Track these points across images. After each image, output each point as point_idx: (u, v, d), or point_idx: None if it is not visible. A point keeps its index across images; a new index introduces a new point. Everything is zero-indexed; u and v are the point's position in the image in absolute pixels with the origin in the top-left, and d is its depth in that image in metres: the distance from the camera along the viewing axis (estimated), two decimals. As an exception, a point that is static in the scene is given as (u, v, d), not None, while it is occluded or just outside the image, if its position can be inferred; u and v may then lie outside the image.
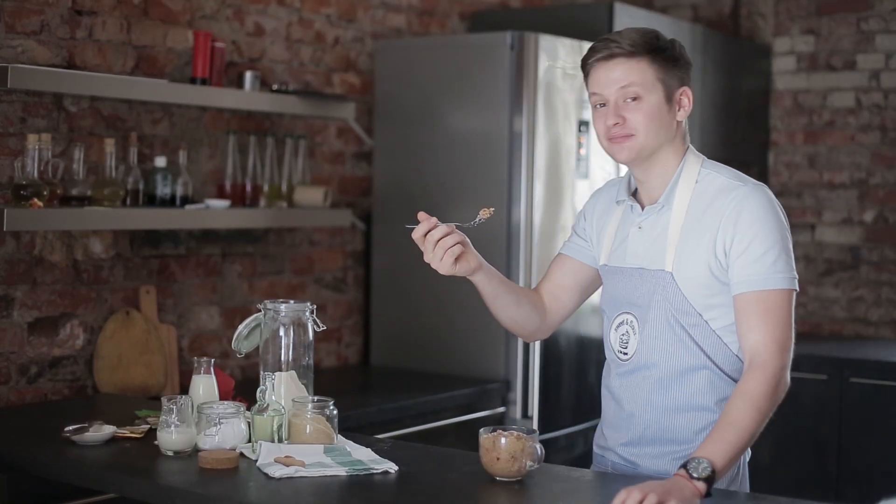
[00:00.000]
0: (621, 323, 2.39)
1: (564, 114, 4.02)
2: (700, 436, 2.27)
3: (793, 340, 2.22)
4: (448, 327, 4.08)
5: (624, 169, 2.51)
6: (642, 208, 2.38)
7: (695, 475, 2.04)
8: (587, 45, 4.08)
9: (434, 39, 4.49)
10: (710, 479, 2.05)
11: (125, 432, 2.61)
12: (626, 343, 2.37)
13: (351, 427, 3.14)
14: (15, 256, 3.25)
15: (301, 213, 3.87)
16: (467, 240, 2.37)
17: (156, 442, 2.47)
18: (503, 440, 2.21)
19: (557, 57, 3.98)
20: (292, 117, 4.03)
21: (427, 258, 2.35)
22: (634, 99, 2.29)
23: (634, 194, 2.43)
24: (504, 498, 2.17)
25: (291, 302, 2.66)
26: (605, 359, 2.48)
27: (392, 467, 2.30)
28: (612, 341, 2.41)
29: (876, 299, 5.20)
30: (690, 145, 2.42)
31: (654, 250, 2.33)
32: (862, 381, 4.47)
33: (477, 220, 2.39)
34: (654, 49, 2.31)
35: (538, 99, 3.91)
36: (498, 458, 2.20)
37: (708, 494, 2.06)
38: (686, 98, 2.37)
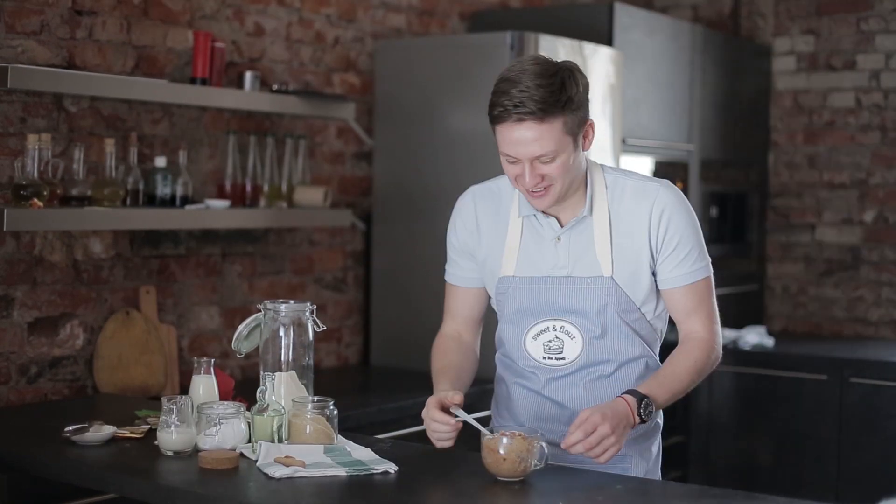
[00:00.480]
0: (543, 330, 2.46)
1: (564, 114, 4.01)
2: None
3: (718, 315, 2.48)
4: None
5: None
6: (558, 221, 2.44)
7: (643, 415, 2.29)
8: (587, 46, 4.12)
9: (434, 39, 4.49)
10: (645, 421, 2.31)
11: (125, 432, 2.60)
12: (560, 349, 2.45)
13: (351, 427, 3.14)
14: (15, 256, 3.25)
15: (301, 214, 3.87)
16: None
17: (156, 442, 2.47)
18: (510, 441, 2.21)
19: (557, 57, 3.97)
20: (292, 117, 4.03)
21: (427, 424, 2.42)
22: (549, 161, 2.32)
23: None
24: (505, 498, 2.17)
25: (291, 302, 2.66)
26: None
27: (392, 467, 2.30)
28: (530, 349, 2.48)
29: (876, 299, 5.20)
30: (590, 161, 2.49)
31: (583, 259, 2.42)
32: (862, 382, 4.47)
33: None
34: (563, 105, 2.29)
35: (538, 99, 3.90)
36: (504, 459, 2.20)
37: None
38: (591, 131, 2.39)
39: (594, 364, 2.44)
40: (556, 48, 3.98)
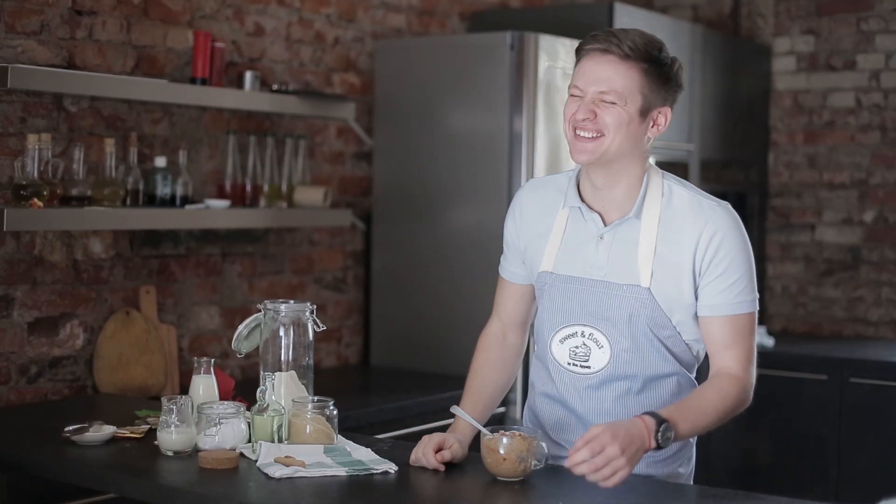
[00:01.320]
0: (571, 335, 2.34)
1: (564, 114, 4.01)
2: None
3: (755, 357, 2.31)
4: (448, 327, 4.08)
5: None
6: (602, 218, 2.32)
7: (660, 440, 2.11)
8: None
9: (434, 39, 4.49)
10: (661, 447, 2.13)
11: (125, 432, 2.61)
12: (587, 357, 2.32)
13: (351, 427, 3.14)
14: (15, 256, 3.25)
15: (301, 213, 3.87)
16: (455, 443, 2.34)
17: (156, 442, 2.47)
18: (510, 441, 2.20)
19: (557, 57, 3.98)
20: (292, 117, 4.03)
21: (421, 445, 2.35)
22: (610, 101, 2.23)
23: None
24: (506, 498, 2.17)
25: (291, 302, 2.66)
26: None
27: (392, 467, 2.30)
28: (557, 354, 2.36)
29: (876, 299, 5.20)
30: (650, 160, 2.38)
31: (623, 264, 2.29)
32: (862, 382, 4.47)
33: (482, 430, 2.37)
34: (651, 59, 2.24)
35: (538, 99, 3.91)
36: (504, 459, 2.20)
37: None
38: (663, 118, 2.29)
39: (621, 378, 2.31)
40: (557, 48, 3.98)
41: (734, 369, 2.26)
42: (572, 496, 2.18)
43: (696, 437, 2.38)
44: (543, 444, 2.24)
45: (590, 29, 4.56)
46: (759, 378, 3.93)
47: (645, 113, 2.26)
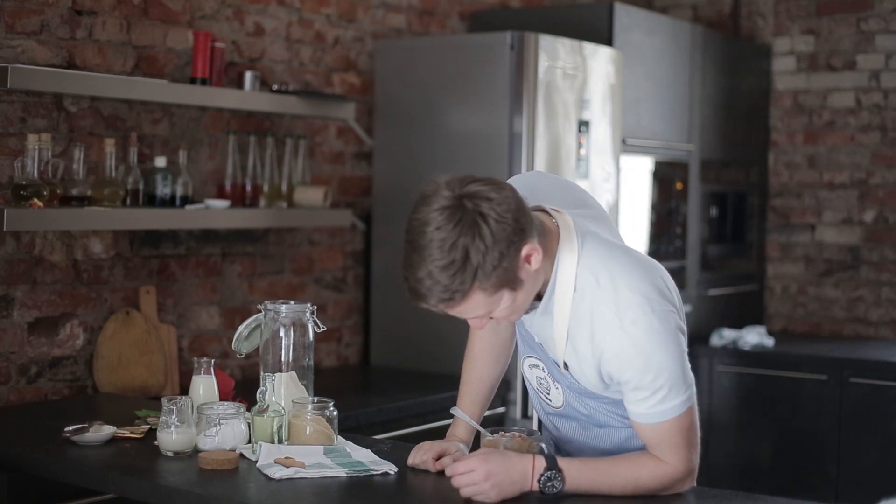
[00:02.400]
0: (534, 366, 2.28)
1: (564, 114, 4.02)
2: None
3: (698, 442, 2.15)
4: (448, 327, 4.07)
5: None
6: None
7: (542, 488, 2.07)
8: (587, 46, 4.12)
9: (434, 39, 4.49)
10: (544, 493, 2.08)
11: (125, 432, 2.61)
12: (549, 392, 2.28)
13: (351, 428, 3.14)
14: (15, 256, 3.25)
15: (301, 214, 3.87)
16: (456, 448, 2.34)
17: (156, 442, 2.47)
18: (510, 441, 2.20)
19: (557, 57, 3.98)
20: (292, 117, 4.03)
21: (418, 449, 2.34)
22: (487, 315, 2.07)
23: None
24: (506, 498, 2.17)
25: (292, 302, 2.66)
26: None
27: (392, 468, 2.30)
28: (529, 377, 2.33)
29: (876, 299, 5.21)
30: (563, 232, 2.12)
31: (548, 339, 2.18)
32: (862, 382, 4.47)
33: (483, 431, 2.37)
34: (473, 279, 1.97)
35: (538, 99, 3.91)
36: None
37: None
38: (534, 254, 2.02)
39: (580, 417, 2.27)
40: (556, 48, 3.98)
41: (668, 460, 2.11)
42: (572, 496, 2.18)
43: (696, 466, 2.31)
44: (543, 444, 2.24)
45: (590, 29, 4.54)
46: (760, 378, 3.91)
47: (515, 282, 2.02)
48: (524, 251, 2.00)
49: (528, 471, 2.08)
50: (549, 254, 2.09)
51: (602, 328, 2.06)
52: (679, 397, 2.08)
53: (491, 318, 2.08)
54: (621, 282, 2.07)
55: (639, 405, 2.08)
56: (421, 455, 2.32)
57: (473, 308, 2.02)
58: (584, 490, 2.11)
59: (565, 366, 2.17)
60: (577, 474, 2.10)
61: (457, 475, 2.09)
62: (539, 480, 2.07)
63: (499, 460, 2.08)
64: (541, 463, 2.08)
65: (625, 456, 2.16)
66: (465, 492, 2.08)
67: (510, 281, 2.01)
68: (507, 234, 1.97)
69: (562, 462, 2.10)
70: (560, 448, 2.39)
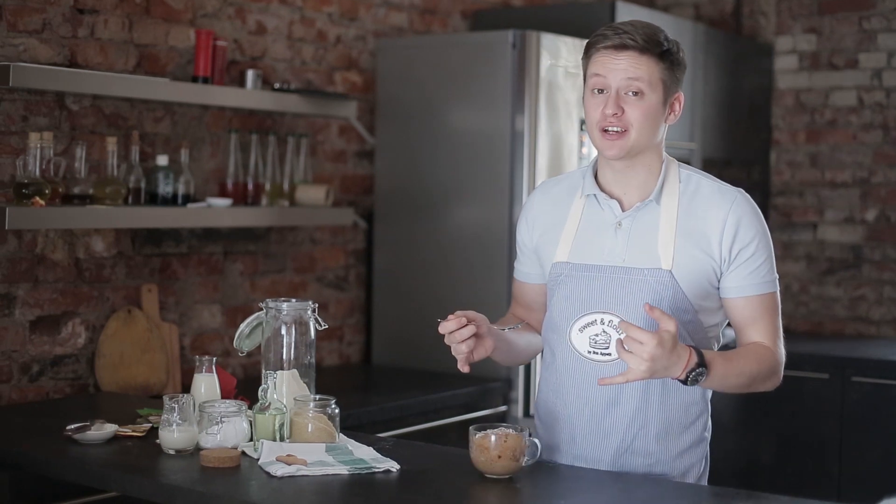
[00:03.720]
0: (590, 323, 2.33)
1: (566, 112, 4.02)
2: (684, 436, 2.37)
3: (782, 335, 2.40)
4: (450, 326, 4.07)
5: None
6: (620, 204, 2.35)
7: (687, 380, 2.17)
8: (589, 44, 4.11)
9: (436, 38, 4.49)
10: (685, 383, 2.20)
11: (127, 431, 2.61)
12: (607, 344, 2.31)
13: (352, 426, 3.14)
14: (17, 255, 3.25)
15: (303, 212, 3.87)
16: (484, 324, 2.34)
17: (157, 440, 2.47)
18: (503, 439, 2.20)
19: (559, 55, 3.98)
20: (294, 116, 4.03)
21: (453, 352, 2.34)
22: (636, 93, 2.28)
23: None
24: (506, 498, 2.17)
25: (293, 300, 2.66)
26: None
27: (394, 466, 2.30)
28: (575, 343, 2.35)
29: (878, 298, 5.20)
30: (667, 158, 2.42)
31: (642, 249, 2.31)
32: (864, 381, 4.47)
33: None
34: (663, 50, 2.29)
35: (540, 97, 3.91)
36: (499, 457, 2.20)
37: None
38: (678, 104, 2.36)
39: None
40: (558, 47, 3.98)
41: (765, 342, 2.34)
42: (572, 496, 2.18)
43: (707, 441, 2.43)
44: (536, 440, 2.25)
45: (592, 27, 4.54)
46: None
47: (665, 102, 2.31)
48: (680, 94, 2.34)
49: (682, 364, 2.16)
50: (660, 155, 2.36)
51: (723, 196, 2.32)
52: (776, 273, 2.36)
53: (623, 112, 2.26)
54: (726, 184, 2.39)
55: (752, 276, 2.30)
56: (447, 332, 2.29)
57: (647, 69, 2.26)
58: (714, 386, 2.28)
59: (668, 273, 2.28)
60: (720, 368, 2.23)
61: (633, 337, 2.11)
62: (688, 374, 2.17)
63: (666, 352, 2.11)
64: (693, 359, 2.16)
65: (747, 350, 2.33)
66: (624, 356, 2.13)
67: (668, 91, 2.30)
68: (682, 72, 2.34)
69: (708, 358, 2.20)
70: (548, 457, 2.41)
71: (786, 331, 4.70)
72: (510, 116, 3.92)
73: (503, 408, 3.90)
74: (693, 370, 2.16)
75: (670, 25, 4.77)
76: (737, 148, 5.26)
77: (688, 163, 4.85)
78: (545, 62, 3.92)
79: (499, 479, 2.22)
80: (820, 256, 5.36)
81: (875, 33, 5.22)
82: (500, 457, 2.20)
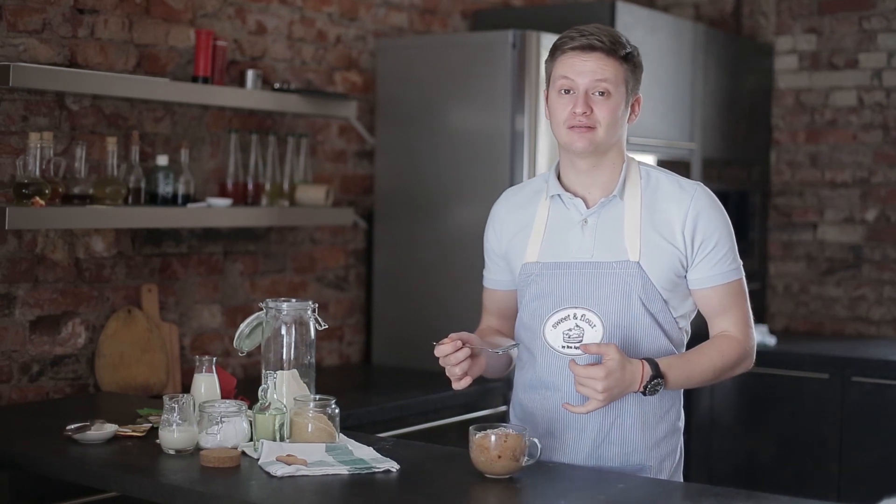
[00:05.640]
0: (563, 319, 2.40)
1: (566, 112, 4.01)
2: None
3: (752, 320, 2.48)
4: (450, 325, 4.06)
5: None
6: (584, 202, 2.42)
7: (647, 391, 2.29)
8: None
9: (436, 38, 4.49)
10: (645, 395, 2.31)
11: (127, 431, 2.61)
12: (580, 338, 2.38)
13: (353, 426, 3.14)
14: (17, 255, 3.25)
15: (303, 212, 3.87)
16: (478, 343, 2.43)
17: (157, 440, 2.47)
18: (503, 439, 2.20)
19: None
20: (294, 116, 4.03)
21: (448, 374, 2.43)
22: (602, 93, 2.36)
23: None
24: (507, 497, 2.17)
25: (293, 300, 2.66)
26: None
27: (394, 466, 2.30)
28: (549, 338, 2.41)
29: (878, 298, 5.20)
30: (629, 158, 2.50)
31: (609, 243, 2.39)
32: (864, 381, 4.47)
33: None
34: (626, 52, 2.39)
35: (540, 98, 3.91)
36: (499, 457, 2.20)
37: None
38: (638, 105, 2.46)
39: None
40: (558, 47, 3.98)
41: (733, 332, 2.43)
42: (572, 496, 2.18)
43: (681, 431, 2.51)
44: (535, 440, 2.25)
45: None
46: (761, 377, 3.92)
47: (627, 102, 2.40)
48: (639, 96, 2.44)
49: (637, 378, 2.27)
50: (622, 154, 2.44)
51: (682, 190, 2.39)
52: (739, 261, 2.44)
53: (592, 111, 2.33)
54: (685, 179, 2.46)
55: (720, 265, 2.39)
56: (441, 355, 2.39)
57: (614, 71, 2.34)
58: (679, 386, 2.37)
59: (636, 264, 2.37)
60: (677, 372, 2.33)
61: (581, 376, 2.24)
62: (645, 387, 2.28)
63: (617, 378, 2.23)
64: (647, 371, 2.28)
65: (706, 344, 2.42)
66: (581, 391, 2.26)
67: (628, 96, 2.39)
68: (642, 70, 2.44)
69: (662, 366, 2.31)
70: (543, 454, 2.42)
71: (786, 330, 4.68)
72: (510, 116, 3.92)
73: (503, 408, 3.90)
74: (649, 383, 2.28)
75: (670, 25, 4.78)
76: (737, 148, 5.26)
77: (688, 163, 4.88)
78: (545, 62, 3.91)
79: (499, 479, 2.23)
80: (820, 256, 5.36)
81: (875, 33, 5.22)
82: (500, 457, 2.20)
